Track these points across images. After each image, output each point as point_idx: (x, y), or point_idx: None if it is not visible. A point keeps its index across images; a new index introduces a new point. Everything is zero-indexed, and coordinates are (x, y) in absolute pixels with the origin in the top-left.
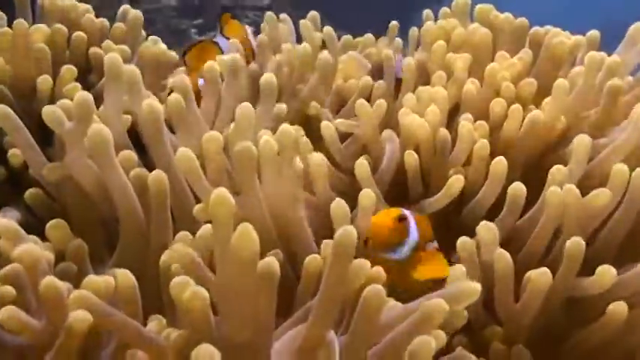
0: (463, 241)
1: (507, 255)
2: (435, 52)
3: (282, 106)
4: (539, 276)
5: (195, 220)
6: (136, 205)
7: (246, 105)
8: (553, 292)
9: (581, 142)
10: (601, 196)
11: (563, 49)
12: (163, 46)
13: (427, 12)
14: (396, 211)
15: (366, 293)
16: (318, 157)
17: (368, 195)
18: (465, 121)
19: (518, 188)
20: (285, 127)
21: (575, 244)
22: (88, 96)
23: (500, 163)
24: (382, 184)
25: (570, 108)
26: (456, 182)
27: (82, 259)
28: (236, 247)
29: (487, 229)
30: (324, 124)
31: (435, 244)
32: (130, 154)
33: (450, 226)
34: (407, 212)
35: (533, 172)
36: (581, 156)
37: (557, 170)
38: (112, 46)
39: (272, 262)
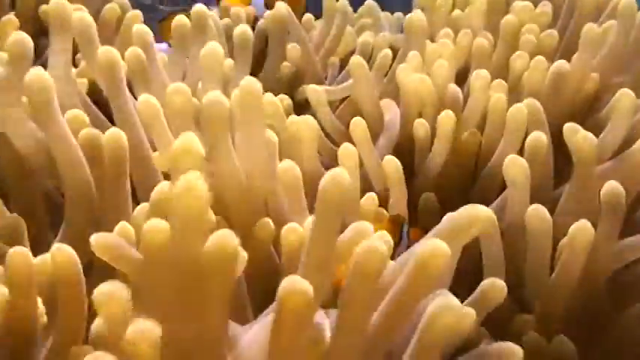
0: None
1: (544, 210)
2: (438, 8)
3: None
4: (580, 231)
5: None
6: (85, 173)
7: (213, 51)
8: (593, 260)
9: (625, 97)
10: None
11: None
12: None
13: None
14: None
15: (360, 253)
16: (305, 118)
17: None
18: (478, 74)
19: (537, 138)
20: (248, 79)
21: (616, 191)
22: (25, 37)
23: (519, 111)
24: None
25: (601, 66)
26: (446, 118)
27: (18, 240)
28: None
29: (515, 186)
30: (310, 88)
31: None
32: (80, 114)
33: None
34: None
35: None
36: (623, 117)
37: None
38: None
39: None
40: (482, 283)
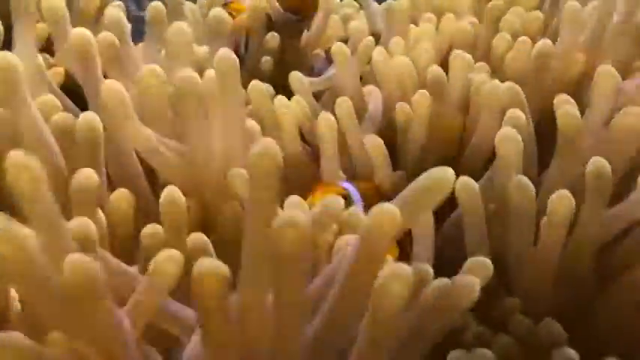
0: (463, 181)
1: (527, 181)
2: None
3: None
4: (559, 201)
5: (136, 177)
6: (57, 158)
7: (179, 29)
8: (580, 234)
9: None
10: None
11: None
12: None
13: None
14: (335, 189)
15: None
16: (286, 102)
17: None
18: (457, 54)
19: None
20: (224, 50)
21: (600, 163)
22: None
23: (496, 87)
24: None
25: (586, 47)
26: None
27: None
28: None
29: (504, 161)
30: (292, 74)
31: None
32: (52, 99)
33: None
34: (349, 186)
35: (549, 121)
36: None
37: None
38: None
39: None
40: (467, 262)
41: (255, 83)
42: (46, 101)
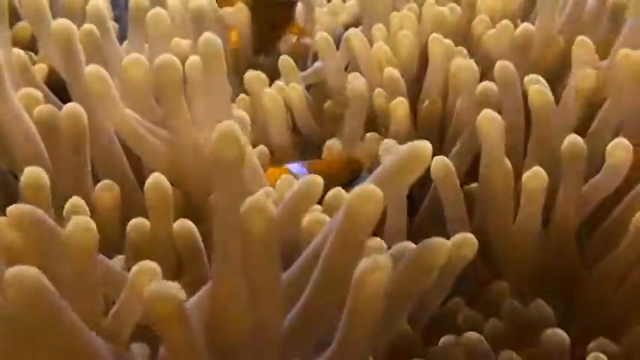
0: (439, 160)
1: (505, 160)
2: None
3: None
4: (532, 176)
5: (122, 171)
6: (40, 150)
7: (157, 15)
8: (560, 212)
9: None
10: None
11: None
12: None
13: None
14: (280, 171)
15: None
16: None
17: None
18: (435, 38)
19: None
20: (207, 34)
21: (575, 140)
22: None
23: (469, 67)
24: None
25: (564, 30)
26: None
27: None
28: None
29: (488, 142)
30: (282, 60)
31: None
32: (34, 92)
33: None
34: (294, 166)
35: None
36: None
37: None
38: None
39: None
40: (451, 239)
41: (251, 72)
42: (28, 94)
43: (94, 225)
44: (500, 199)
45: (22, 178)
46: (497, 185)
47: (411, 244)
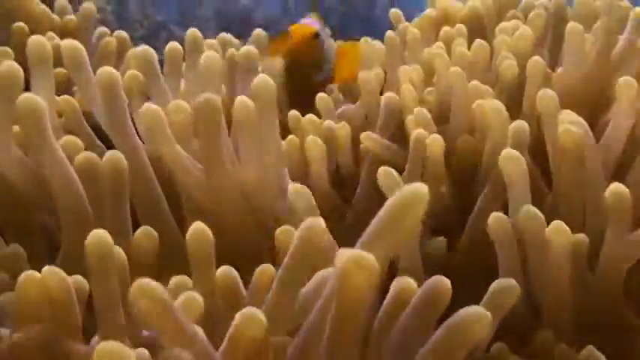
0: (497, 216)
1: (534, 210)
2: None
3: None
4: (555, 233)
5: (163, 216)
6: (82, 199)
7: (211, 57)
8: (605, 261)
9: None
10: None
11: None
12: None
13: None
14: (309, 29)
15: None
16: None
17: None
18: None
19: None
20: (262, 77)
21: (620, 189)
22: (15, 65)
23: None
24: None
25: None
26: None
27: (19, 271)
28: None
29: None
30: (318, 96)
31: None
32: (75, 140)
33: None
34: (316, 25)
35: None
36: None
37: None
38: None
39: None
40: (494, 283)
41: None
42: (70, 142)
43: None
44: (534, 249)
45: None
46: (531, 237)
47: None
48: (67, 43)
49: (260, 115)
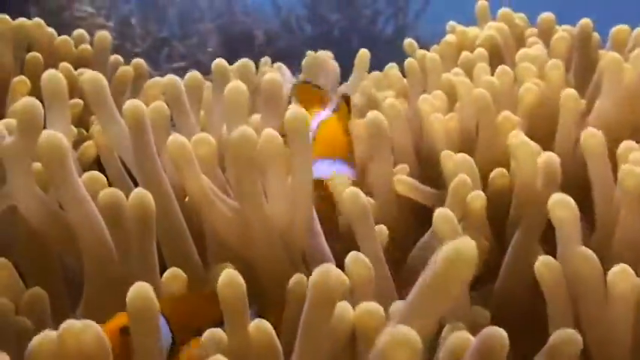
0: (546, 260)
1: (591, 254)
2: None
3: None
4: (619, 278)
5: (190, 256)
6: (105, 239)
7: (237, 86)
8: None
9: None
10: None
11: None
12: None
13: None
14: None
15: None
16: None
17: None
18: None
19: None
20: (295, 109)
21: None
22: (35, 102)
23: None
24: None
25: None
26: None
27: (41, 314)
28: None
29: (563, 229)
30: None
31: None
32: (98, 175)
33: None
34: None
35: None
36: None
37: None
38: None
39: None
40: (554, 334)
41: None
42: (93, 178)
43: None
44: (590, 294)
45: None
46: (587, 282)
47: None
48: (89, 76)
49: (292, 150)
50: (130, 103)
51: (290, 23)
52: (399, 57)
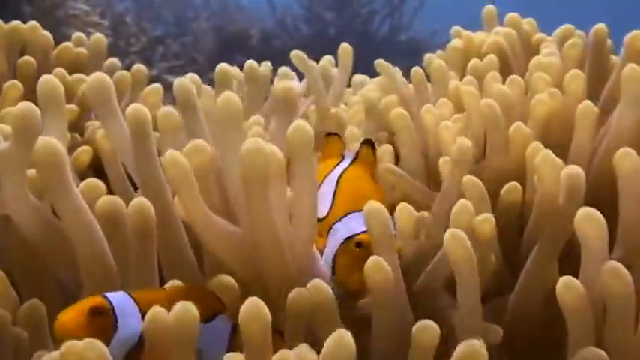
0: (567, 281)
1: (620, 266)
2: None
3: None
4: None
5: (190, 267)
6: (105, 255)
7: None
8: None
9: None
10: None
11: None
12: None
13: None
14: None
15: None
16: None
17: None
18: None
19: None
20: (299, 122)
21: None
22: (31, 106)
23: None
24: None
25: None
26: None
27: (38, 325)
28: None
29: (588, 245)
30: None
31: None
32: (97, 183)
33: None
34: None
35: None
36: None
37: None
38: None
39: None
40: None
41: None
42: (90, 186)
43: None
44: (620, 311)
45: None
46: (616, 298)
47: None
48: (94, 78)
49: (295, 167)
50: (133, 107)
51: (285, 22)
52: (395, 56)
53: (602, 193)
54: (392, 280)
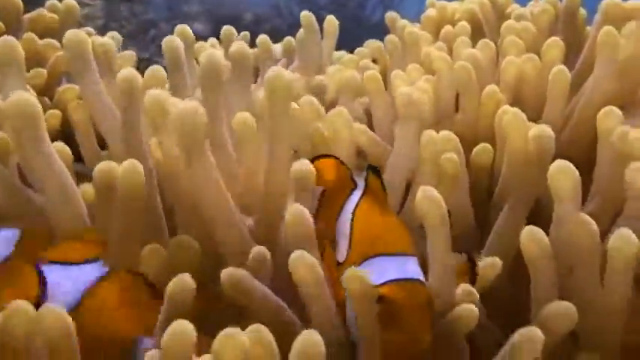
0: (530, 231)
1: (590, 223)
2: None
3: None
4: (620, 244)
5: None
6: (82, 213)
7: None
8: None
9: None
10: None
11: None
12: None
13: None
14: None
15: None
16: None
17: None
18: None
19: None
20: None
21: None
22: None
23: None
24: None
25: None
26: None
27: None
28: None
29: (562, 201)
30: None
31: None
32: (63, 147)
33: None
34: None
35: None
36: None
37: None
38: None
39: None
40: (548, 306)
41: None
42: (59, 149)
43: None
44: (586, 263)
45: None
46: (583, 249)
47: None
48: (71, 34)
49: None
50: (124, 71)
51: (279, 5)
52: None
53: (574, 156)
54: None
